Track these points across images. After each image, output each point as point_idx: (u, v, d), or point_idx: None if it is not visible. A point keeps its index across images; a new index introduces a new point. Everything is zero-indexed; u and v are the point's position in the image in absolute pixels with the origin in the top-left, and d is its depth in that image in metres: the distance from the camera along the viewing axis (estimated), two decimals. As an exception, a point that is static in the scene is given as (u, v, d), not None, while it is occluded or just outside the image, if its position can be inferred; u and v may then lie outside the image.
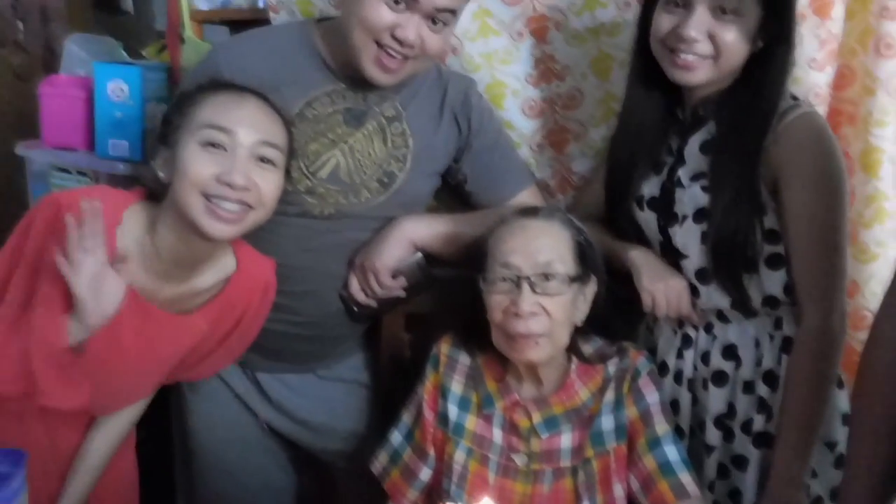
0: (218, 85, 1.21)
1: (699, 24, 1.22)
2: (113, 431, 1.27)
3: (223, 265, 1.25)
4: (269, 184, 1.16)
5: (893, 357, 1.02)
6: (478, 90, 1.51)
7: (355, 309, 1.45)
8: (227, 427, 1.50)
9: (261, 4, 1.79)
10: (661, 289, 1.32)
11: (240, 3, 1.84)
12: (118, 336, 1.10)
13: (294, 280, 1.40)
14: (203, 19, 1.84)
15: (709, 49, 1.23)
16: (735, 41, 1.23)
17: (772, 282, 1.29)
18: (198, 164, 1.12)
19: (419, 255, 1.42)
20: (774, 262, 1.28)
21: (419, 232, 1.41)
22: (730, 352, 1.34)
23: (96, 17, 3.31)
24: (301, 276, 1.41)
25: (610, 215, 1.43)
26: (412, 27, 1.27)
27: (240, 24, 1.86)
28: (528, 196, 1.49)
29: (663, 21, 1.26)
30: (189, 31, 1.81)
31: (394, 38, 1.27)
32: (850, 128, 1.47)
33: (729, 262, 1.27)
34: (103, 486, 1.29)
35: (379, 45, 1.28)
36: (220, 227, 1.12)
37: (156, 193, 1.19)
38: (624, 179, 1.39)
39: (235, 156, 1.12)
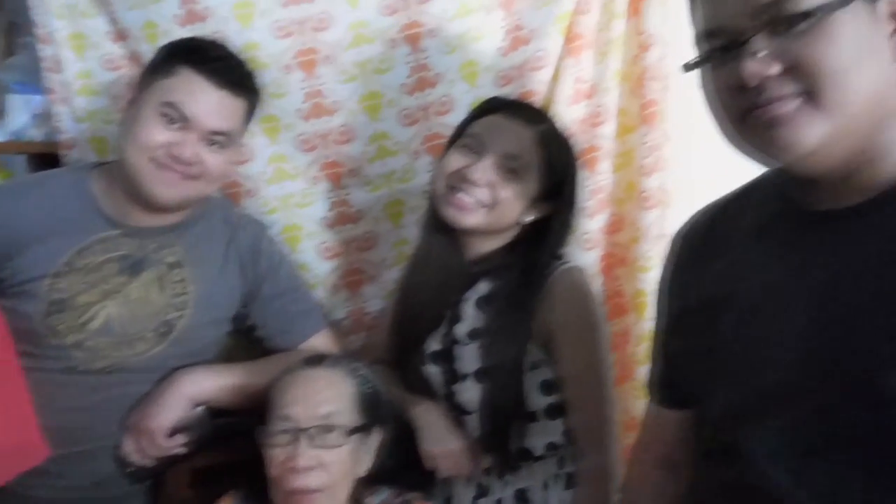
0: None
1: (485, 171, 1.28)
2: None
3: None
4: None
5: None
6: (269, 235, 1.51)
7: (130, 470, 1.35)
8: None
9: (58, 138, 1.73)
10: (442, 453, 1.32)
11: (33, 136, 1.77)
12: None
13: (62, 442, 1.28)
14: (-7, 150, 1.75)
15: (487, 198, 1.28)
16: (510, 199, 1.28)
17: (551, 431, 1.32)
18: None
19: (201, 409, 1.36)
20: (552, 412, 1.32)
21: (198, 386, 1.35)
22: (521, 496, 1.35)
23: None
24: (70, 438, 1.30)
25: (398, 366, 1.43)
26: (188, 145, 1.27)
27: (38, 155, 1.79)
28: (321, 339, 1.48)
29: (454, 160, 1.31)
30: (-23, 162, 1.72)
31: (171, 156, 1.26)
32: (623, 269, 1.59)
33: (501, 427, 1.30)
34: None
35: (157, 165, 1.27)
36: None
37: None
38: (410, 331, 1.41)
39: None
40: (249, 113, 1.37)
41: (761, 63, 0.74)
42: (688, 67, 0.85)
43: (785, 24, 0.74)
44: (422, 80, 1.56)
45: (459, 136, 1.35)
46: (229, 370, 1.39)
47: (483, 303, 1.34)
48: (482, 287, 1.34)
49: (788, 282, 0.82)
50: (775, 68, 0.74)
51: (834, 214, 0.80)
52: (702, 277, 0.95)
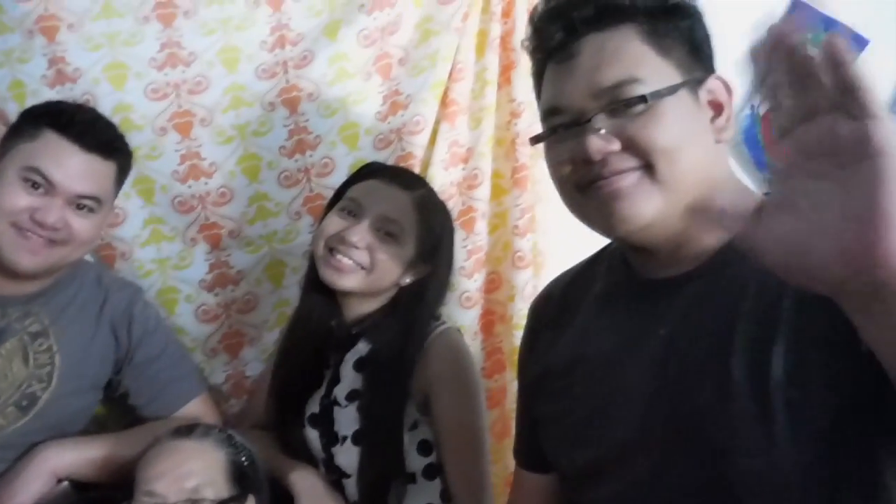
0: None
1: (363, 233, 1.30)
2: None
3: None
4: None
5: None
6: (144, 298, 1.47)
7: (-15, 552, 1.28)
8: None
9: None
10: None
11: None
12: None
13: None
14: None
15: (365, 259, 1.30)
16: (387, 261, 1.31)
17: (429, 491, 1.33)
18: None
19: (64, 484, 1.30)
20: (430, 472, 1.33)
21: (61, 460, 1.28)
22: None
23: None
24: (-83, 522, 1.23)
25: (278, 429, 1.42)
26: (53, 210, 1.23)
27: None
28: (198, 405, 1.44)
29: (333, 223, 1.33)
30: None
31: (34, 221, 1.23)
32: (502, 326, 1.63)
33: (379, 490, 1.30)
34: None
35: (19, 230, 1.23)
36: None
37: None
38: (289, 393, 1.40)
39: None
40: (120, 175, 1.35)
41: (604, 139, 0.81)
42: (534, 140, 0.91)
43: (623, 106, 0.81)
44: (301, 143, 1.57)
45: (338, 199, 1.38)
46: (95, 442, 1.33)
47: (361, 364, 1.34)
48: (361, 348, 1.35)
49: (631, 345, 0.87)
50: (616, 145, 0.81)
51: (666, 282, 0.87)
52: (556, 344, 0.99)
